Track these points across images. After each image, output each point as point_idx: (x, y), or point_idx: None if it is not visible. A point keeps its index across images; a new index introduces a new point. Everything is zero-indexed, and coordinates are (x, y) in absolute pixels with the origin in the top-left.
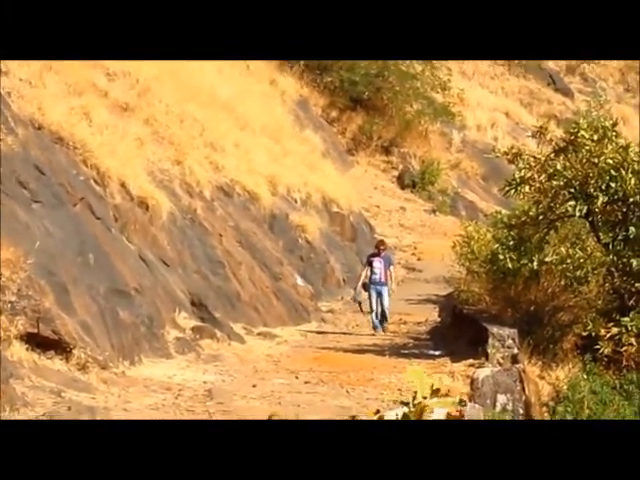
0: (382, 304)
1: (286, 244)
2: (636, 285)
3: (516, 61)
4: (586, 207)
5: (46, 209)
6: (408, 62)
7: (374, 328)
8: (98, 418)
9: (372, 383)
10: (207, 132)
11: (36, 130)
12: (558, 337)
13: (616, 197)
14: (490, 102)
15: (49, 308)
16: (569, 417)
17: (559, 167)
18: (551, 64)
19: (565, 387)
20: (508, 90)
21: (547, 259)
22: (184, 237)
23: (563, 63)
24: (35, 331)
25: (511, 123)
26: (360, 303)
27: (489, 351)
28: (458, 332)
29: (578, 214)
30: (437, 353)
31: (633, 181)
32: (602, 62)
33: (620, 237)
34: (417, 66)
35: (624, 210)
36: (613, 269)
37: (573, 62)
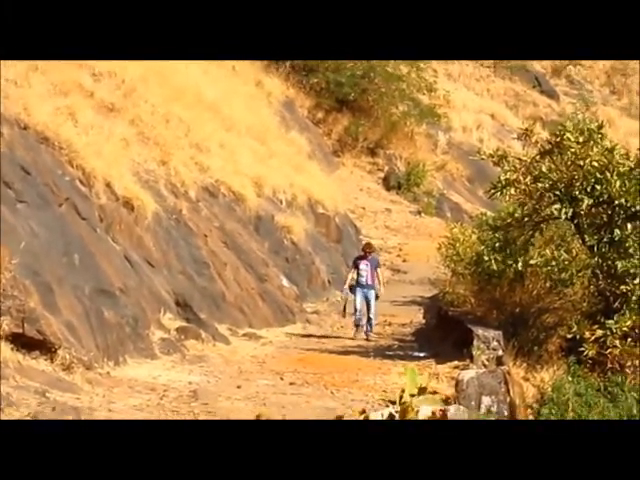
0: (369, 310)
1: (271, 245)
2: (621, 287)
3: (502, 63)
4: (571, 209)
5: (31, 209)
6: (394, 63)
7: (356, 326)
8: (83, 418)
9: (357, 384)
10: (193, 133)
11: (22, 130)
12: (543, 339)
13: (601, 200)
14: (476, 104)
15: (34, 308)
16: (553, 419)
17: (544, 169)
18: (537, 66)
19: (550, 389)
20: (494, 92)
21: (532, 261)
22: (169, 237)
23: (549, 65)
24: (20, 331)
25: (497, 125)
26: (345, 305)
27: (474, 353)
28: (443, 334)
29: (563, 216)
30: (422, 355)
31: (618, 184)
32: (588, 64)
33: (605, 239)
34: (403, 68)
35: (609, 213)
36: (598, 271)
37: (559, 64)
